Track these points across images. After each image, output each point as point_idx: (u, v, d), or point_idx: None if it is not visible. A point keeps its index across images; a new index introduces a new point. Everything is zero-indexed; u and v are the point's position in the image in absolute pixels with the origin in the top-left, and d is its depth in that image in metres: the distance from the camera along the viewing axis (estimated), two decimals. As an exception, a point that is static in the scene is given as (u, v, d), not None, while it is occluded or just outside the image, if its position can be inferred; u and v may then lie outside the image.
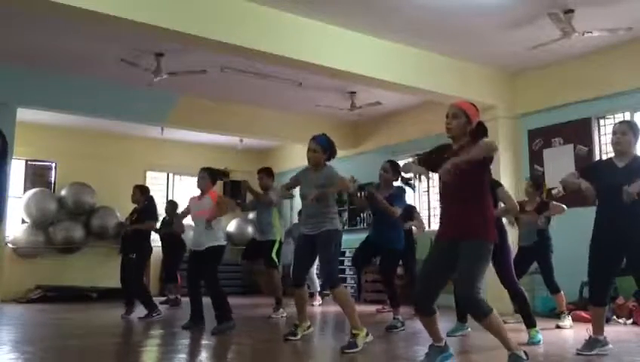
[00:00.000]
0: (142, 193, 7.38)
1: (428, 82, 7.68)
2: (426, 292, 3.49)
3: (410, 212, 7.38)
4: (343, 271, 10.54)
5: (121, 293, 7.69)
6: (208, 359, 4.45)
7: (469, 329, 5.33)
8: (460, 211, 3.40)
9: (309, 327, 5.04)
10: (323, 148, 4.74)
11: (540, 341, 4.74)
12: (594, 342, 4.14)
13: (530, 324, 4.84)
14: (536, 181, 6.61)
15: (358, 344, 4.33)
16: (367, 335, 4.47)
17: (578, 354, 4.10)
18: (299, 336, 4.86)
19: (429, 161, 3.70)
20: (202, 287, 5.82)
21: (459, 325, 5.36)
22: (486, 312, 3.26)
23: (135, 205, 7.42)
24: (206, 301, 5.70)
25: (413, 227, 7.37)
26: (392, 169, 5.77)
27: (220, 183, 12.74)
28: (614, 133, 4.24)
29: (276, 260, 7.17)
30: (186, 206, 6.16)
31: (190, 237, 7.34)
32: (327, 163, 4.80)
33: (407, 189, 5.72)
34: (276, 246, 7.12)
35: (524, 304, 4.90)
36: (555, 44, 6.72)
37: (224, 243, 5.83)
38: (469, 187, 3.37)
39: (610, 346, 4.17)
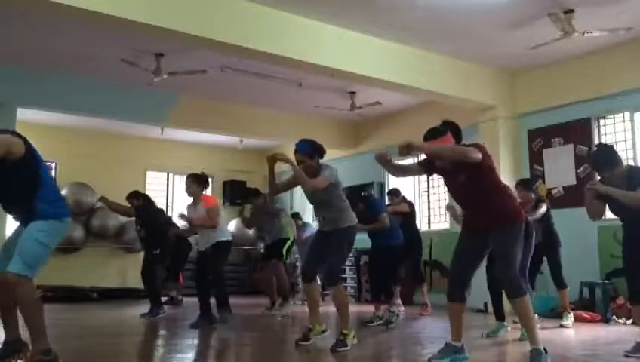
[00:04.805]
0: (137, 198, 7.44)
1: (428, 82, 7.67)
2: (459, 276, 3.65)
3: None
4: (343, 270, 10.54)
5: (123, 293, 7.73)
6: (208, 359, 4.45)
7: (509, 328, 5.38)
8: (480, 211, 3.56)
9: (323, 331, 4.69)
10: (308, 154, 4.59)
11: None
12: None
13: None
14: (525, 182, 6.51)
15: (347, 343, 4.37)
16: (354, 337, 4.48)
17: (626, 356, 4.03)
18: (311, 341, 4.59)
19: (427, 164, 3.86)
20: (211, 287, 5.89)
21: (499, 324, 5.37)
22: (522, 292, 3.43)
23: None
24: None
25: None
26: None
27: (220, 183, 12.87)
28: (600, 174, 4.28)
29: (285, 256, 7.52)
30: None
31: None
32: (322, 162, 4.67)
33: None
34: (288, 243, 7.53)
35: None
36: (555, 44, 6.72)
37: (228, 238, 5.90)
38: (477, 191, 3.52)
39: None
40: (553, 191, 7.89)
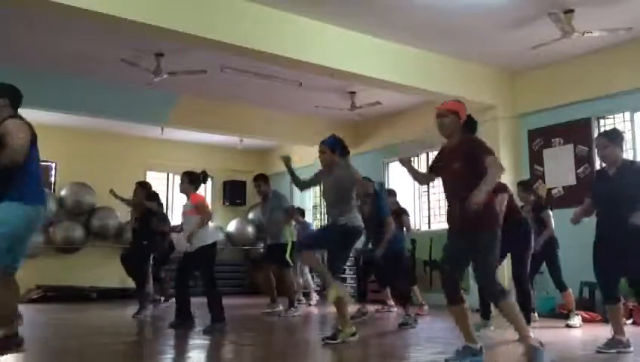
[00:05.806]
0: (142, 189, 7.42)
1: (428, 82, 7.67)
2: (450, 279, 3.70)
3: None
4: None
5: (123, 293, 7.70)
6: (209, 358, 4.45)
7: (492, 327, 5.37)
8: (460, 206, 3.57)
9: (353, 334, 4.68)
10: (330, 147, 4.83)
11: None
12: (616, 343, 4.23)
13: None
14: (525, 184, 6.56)
15: (338, 337, 4.49)
16: (353, 335, 4.59)
17: (598, 352, 4.20)
18: (338, 341, 4.60)
19: (435, 168, 3.96)
20: (190, 287, 5.86)
21: (482, 322, 5.41)
22: (504, 296, 3.53)
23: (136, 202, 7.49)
24: (198, 301, 5.72)
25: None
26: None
27: (220, 183, 12.87)
28: (597, 148, 4.47)
29: (290, 261, 7.41)
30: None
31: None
32: (342, 160, 4.88)
33: None
34: (289, 249, 7.37)
35: (526, 304, 5.03)
36: (555, 44, 6.72)
37: (213, 241, 5.82)
38: (464, 185, 3.54)
39: (632, 349, 4.22)
40: (553, 191, 7.89)
